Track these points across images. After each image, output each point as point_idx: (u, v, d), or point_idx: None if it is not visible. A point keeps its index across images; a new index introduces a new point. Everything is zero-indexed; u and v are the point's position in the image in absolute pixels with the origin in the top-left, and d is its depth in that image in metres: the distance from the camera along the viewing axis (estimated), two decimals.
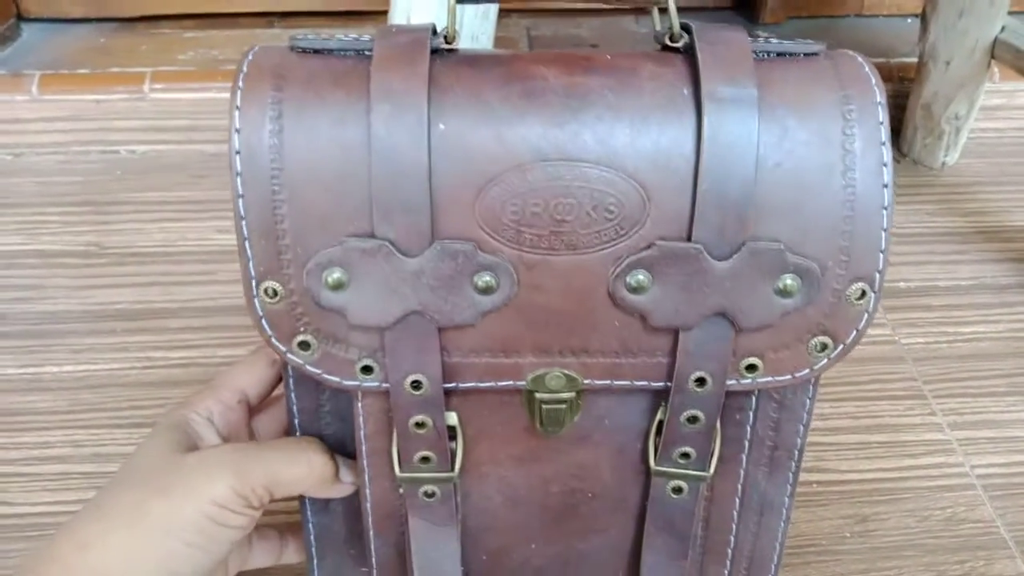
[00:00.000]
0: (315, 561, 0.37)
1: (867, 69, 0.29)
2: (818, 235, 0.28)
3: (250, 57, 0.28)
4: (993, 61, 0.67)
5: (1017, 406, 0.52)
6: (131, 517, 0.30)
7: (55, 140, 0.74)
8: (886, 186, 0.28)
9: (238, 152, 0.27)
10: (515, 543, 0.35)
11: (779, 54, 0.29)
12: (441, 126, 0.26)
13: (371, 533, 0.35)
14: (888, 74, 0.76)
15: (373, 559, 0.36)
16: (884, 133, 0.27)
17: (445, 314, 0.28)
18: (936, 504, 0.47)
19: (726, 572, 0.38)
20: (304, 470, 0.32)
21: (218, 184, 0.71)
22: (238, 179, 0.27)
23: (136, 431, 0.50)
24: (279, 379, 0.37)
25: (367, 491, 0.34)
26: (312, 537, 0.37)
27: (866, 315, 0.29)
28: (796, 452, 0.34)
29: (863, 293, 0.29)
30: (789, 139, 0.27)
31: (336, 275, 0.27)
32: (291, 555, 0.39)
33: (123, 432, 0.50)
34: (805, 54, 0.29)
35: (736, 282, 0.28)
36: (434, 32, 0.29)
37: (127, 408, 0.51)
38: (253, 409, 0.37)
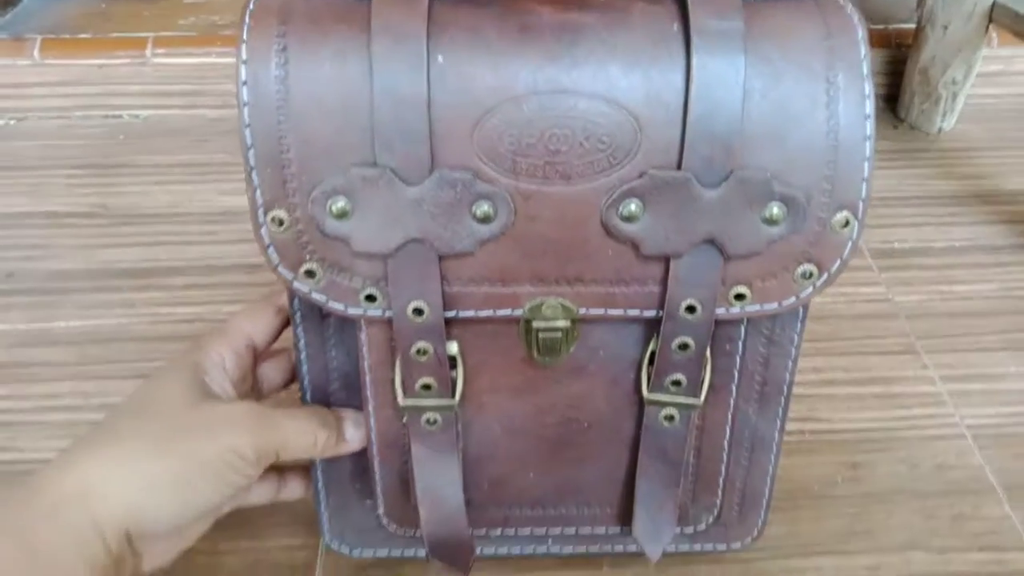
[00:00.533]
0: (322, 495, 0.39)
1: (849, 10, 0.30)
2: (803, 164, 0.29)
3: None
4: (991, 25, 0.67)
5: (1008, 361, 0.53)
6: (155, 446, 0.31)
7: (58, 104, 0.75)
8: (868, 117, 0.29)
9: (245, 83, 0.28)
10: (514, 472, 0.37)
11: None
12: (440, 59, 0.28)
13: (376, 461, 0.36)
14: (886, 40, 0.77)
15: (378, 487, 0.37)
16: (866, 68, 0.29)
17: (445, 241, 0.29)
18: (927, 452, 0.48)
19: (718, 502, 0.39)
20: (309, 442, 0.34)
21: (221, 148, 0.72)
22: (245, 109, 0.28)
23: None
24: (284, 327, 0.38)
25: (371, 421, 0.35)
26: (319, 472, 0.38)
27: (850, 243, 0.30)
28: (785, 388, 0.36)
29: (847, 222, 0.30)
30: (774, 71, 0.28)
31: (340, 203, 0.28)
32: (289, 492, 0.40)
33: (131, 383, 0.51)
34: None
35: (724, 210, 0.29)
36: None
37: (134, 361, 0.52)
38: (259, 356, 0.38)
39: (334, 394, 0.36)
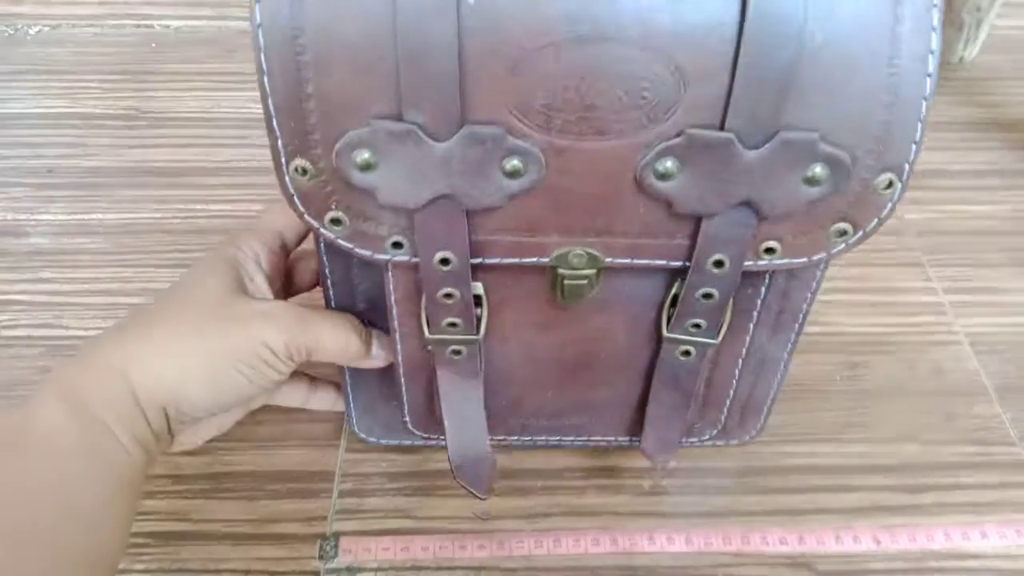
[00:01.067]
0: (350, 395, 0.40)
1: None
2: (854, 123, 0.27)
3: None
4: None
5: (1010, 277, 0.55)
6: (193, 334, 0.33)
7: (90, 13, 0.76)
8: (930, 75, 0.26)
9: (260, 25, 0.25)
10: (532, 391, 0.38)
11: None
12: (470, 1, 0.25)
13: (402, 380, 0.38)
14: None
15: (405, 400, 0.39)
16: (936, 17, 0.26)
17: (473, 198, 0.28)
18: (925, 355, 0.50)
19: (722, 418, 0.41)
20: (341, 346, 0.35)
21: (249, 58, 0.72)
22: (262, 55, 0.26)
23: (179, 270, 0.53)
24: None
25: (398, 347, 0.36)
26: (347, 374, 0.40)
27: (890, 204, 0.29)
28: (801, 316, 0.36)
29: (890, 183, 0.28)
30: (837, 17, 0.25)
31: (365, 156, 0.27)
32: (316, 402, 0.42)
33: (167, 271, 0.54)
34: None
35: (765, 171, 0.27)
36: None
37: (170, 251, 0.55)
38: (290, 253, 0.40)
39: (361, 314, 0.37)
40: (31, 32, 0.74)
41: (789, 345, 0.37)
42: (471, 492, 0.39)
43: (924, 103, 0.27)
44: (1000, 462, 0.45)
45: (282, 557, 0.40)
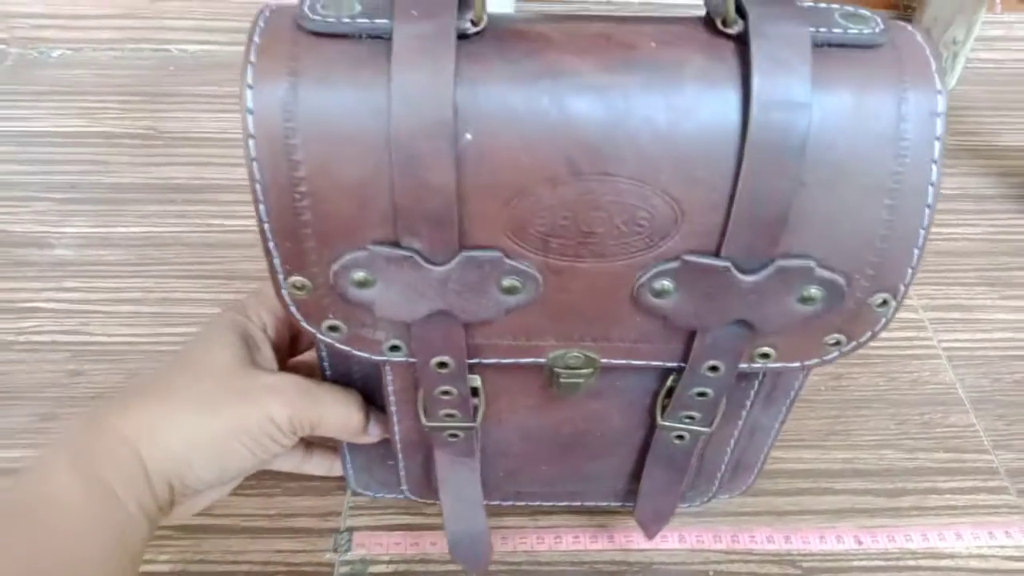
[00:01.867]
0: (348, 456, 0.41)
1: (933, 68, 0.26)
2: (850, 250, 0.27)
3: (257, 40, 0.25)
4: None
5: (985, 295, 0.58)
6: (202, 406, 0.33)
7: (110, 37, 0.79)
8: (929, 207, 0.26)
9: (255, 159, 0.25)
10: (527, 464, 0.39)
11: (840, 45, 0.26)
12: (468, 136, 0.25)
13: (399, 455, 0.39)
14: (894, 1, 0.81)
15: (402, 470, 0.40)
16: (938, 149, 0.25)
17: (470, 313, 0.29)
18: (904, 368, 0.53)
19: (714, 489, 0.42)
20: (343, 423, 0.36)
21: None
22: (257, 186, 0.25)
23: (199, 282, 0.56)
24: None
25: (395, 428, 0.37)
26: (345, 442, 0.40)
27: (884, 320, 0.30)
28: (793, 393, 0.36)
29: (885, 302, 0.29)
30: (835, 158, 0.25)
31: (361, 275, 0.27)
32: (312, 467, 0.43)
33: (188, 282, 0.56)
34: (868, 45, 0.26)
35: (760, 295, 0.28)
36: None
37: (191, 263, 0.58)
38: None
39: (357, 391, 0.37)
40: (54, 55, 0.78)
41: (781, 416, 0.38)
42: (468, 573, 0.40)
43: (922, 232, 0.27)
44: (974, 468, 0.48)
45: (298, 550, 0.43)
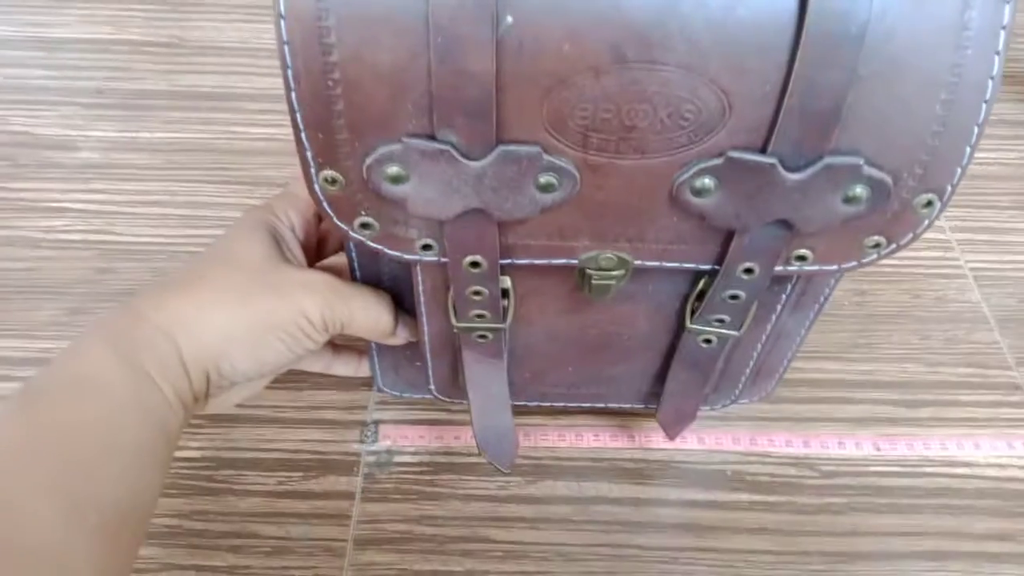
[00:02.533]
0: (376, 356, 0.41)
1: None
2: (901, 147, 0.26)
3: None
4: None
5: (1016, 219, 0.57)
6: (238, 298, 0.33)
7: None
8: (987, 102, 0.25)
9: (287, 43, 0.24)
10: (553, 366, 0.40)
11: None
12: (509, 19, 0.23)
13: (428, 355, 0.39)
14: None
15: (430, 371, 0.40)
16: (1003, 40, 0.24)
17: (506, 211, 0.28)
18: (930, 286, 0.53)
19: (737, 392, 0.42)
20: (373, 322, 0.36)
21: None
22: (289, 72, 0.25)
23: (224, 186, 0.57)
24: None
25: (425, 328, 0.37)
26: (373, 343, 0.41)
27: (927, 221, 0.29)
28: (823, 298, 0.36)
29: (930, 202, 0.28)
30: (894, 48, 0.24)
31: (396, 169, 0.26)
32: (339, 367, 0.43)
33: (213, 187, 0.57)
34: None
35: (804, 193, 0.27)
36: None
37: (215, 169, 0.58)
38: (322, 219, 0.39)
39: (385, 291, 0.37)
40: None
41: (808, 322, 0.38)
42: (495, 467, 0.41)
43: (976, 130, 0.26)
44: (996, 383, 0.48)
45: (326, 439, 0.44)
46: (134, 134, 0.60)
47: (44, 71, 0.65)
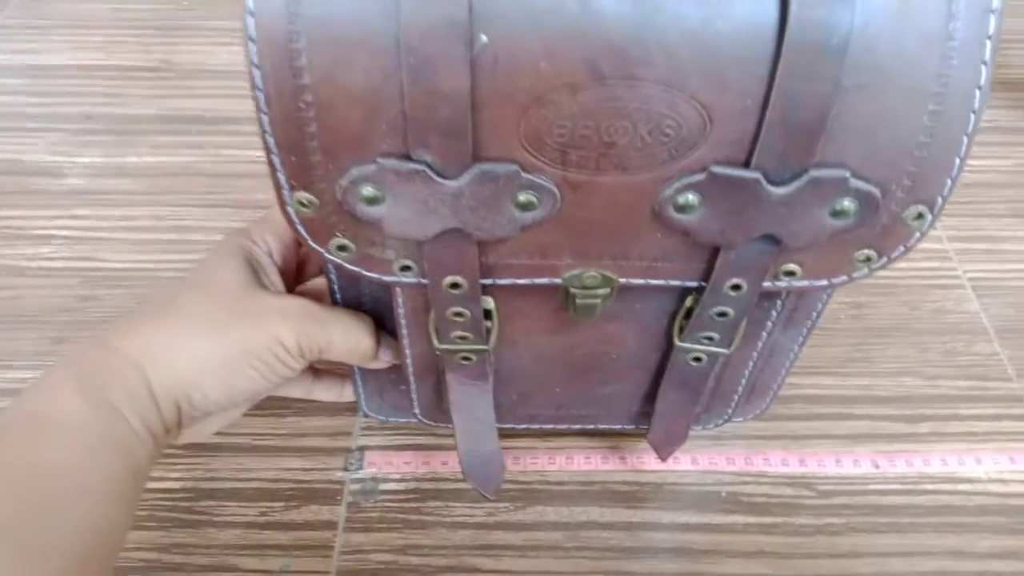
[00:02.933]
0: (359, 380, 0.41)
1: None
2: (888, 159, 0.25)
3: None
4: None
5: (1013, 227, 0.56)
6: (211, 328, 0.32)
7: None
8: (975, 112, 0.24)
9: (258, 66, 0.24)
10: (540, 387, 0.39)
11: None
12: (483, 38, 0.23)
13: (411, 379, 0.38)
14: None
15: (414, 394, 0.39)
16: (989, 51, 0.23)
17: (485, 230, 0.27)
18: (927, 298, 0.52)
19: (729, 412, 0.41)
20: (352, 347, 0.35)
21: None
22: (260, 95, 0.24)
23: (212, 210, 0.56)
24: None
25: (407, 352, 0.36)
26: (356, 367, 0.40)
27: (918, 234, 0.28)
28: (815, 314, 0.35)
29: (920, 215, 0.27)
30: (877, 58, 0.23)
31: (370, 190, 0.26)
32: (320, 393, 0.42)
33: (201, 210, 0.56)
34: None
35: (790, 208, 0.26)
36: None
37: (203, 192, 0.57)
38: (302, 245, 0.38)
39: (366, 314, 0.37)
40: None
41: (801, 338, 0.37)
42: (480, 492, 0.39)
43: (965, 140, 0.25)
44: (997, 396, 0.47)
45: (309, 467, 0.43)
46: (122, 159, 0.60)
47: (32, 97, 0.65)
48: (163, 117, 0.64)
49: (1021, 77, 0.69)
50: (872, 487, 0.43)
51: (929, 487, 0.43)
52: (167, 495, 0.42)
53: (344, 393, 0.42)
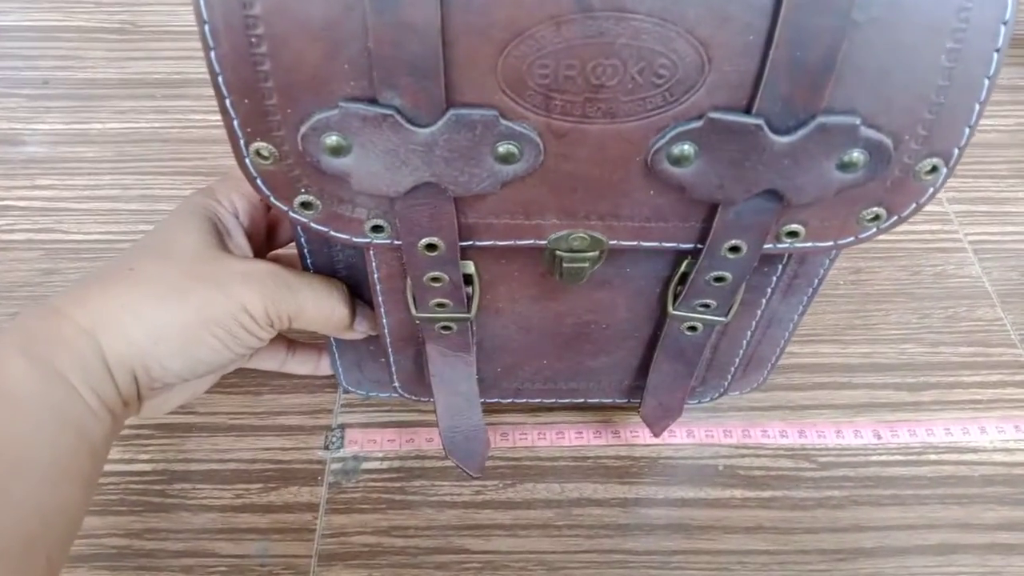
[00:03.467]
0: (336, 353, 0.38)
1: None
2: (902, 105, 0.23)
3: None
4: None
5: (1016, 187, 0.55)
6: (169, 294, 0.30)
7: None
8: (998, 50, 0.22)
9: None
10: (527, 359, 0.37)
11: None
12: None
13: (390, 351, 0.36)
14: None
15: (393, 367, 0.37)
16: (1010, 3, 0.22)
17: (461, 184, 0.25)
18: (928, 262, 0.50)
19: (726, 384, 0.39)
20: (326, 315, 0.33)
21: None
22: (206, 28, 0.22)
23: (180, 178, 0.53)
24: None
25: (383, 320, 0.34)
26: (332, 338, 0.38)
27: (931, 189, 0.26)
28: (816, 281, 0.33)
29: (934, 168, 0.25)
30: None
31: (335, 139, 0.24)
32: (295, 365, 0.40)
33: (167, 178, 0.53)
34: None
35: (795, 159, 0.24)
36: None
37: (170, 159, 0.55)
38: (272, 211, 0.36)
39: (341, 281, 0.34)
40: None
41: (801, 307, 0.35)
42: (464, 470, 0.38)
43: (987, 83, 0.23)
44: (1000, 362, 0.45)
45: (288, 447, 0.41)
46: (84, 126, 0.57)
47: None
48: (126, 81, 0.60)
49: (1022, 34, 0.67)
50: (874, 458, 0.41)
51: (933, 457, 0.41)
52: (138, 478, 0.39)
53: (321, 366, 0.40)
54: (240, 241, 0.34)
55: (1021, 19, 0.68)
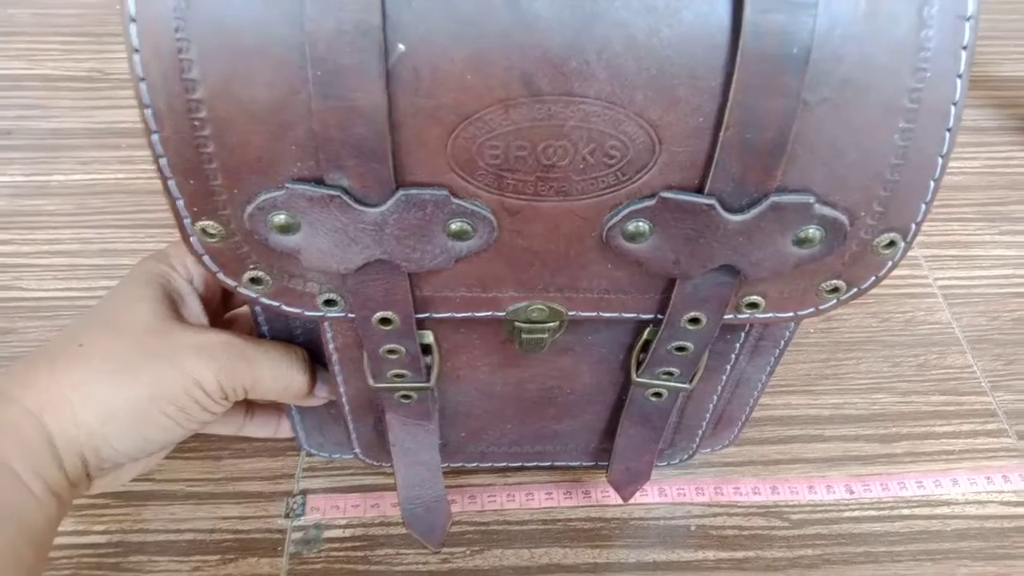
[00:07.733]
0: (297, 417, 0.38)
1: None
2: (856, 183, 0.23)
3: None
4: None
5: (983, 230, 0.55)
6: (119, 371, 0.29)
7: None
8: (949, 130, 0.22)
9: (143, 79, 0.21)
10: (491, 424, 0.36)
11: None
12: (400, 47, 0.20)
13: (349, 418, 0.35)
14: None
15: (353, 434, 0.36)
16: (964, 62, 0.21)
17: (415, 261, 0.25)
18: (898, 308, 0.50)
19: (695, 446, 0.39)
20: (284, 385, 0.32)
21: None
22: (149, 112, 0.21)
23: (142, 231, 0.52)
24: None
25: (342, 390, 0.33)
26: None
27: (890, 263, 0.26)
28: (783, 343, 0.33)
29: (892, 243, 0.25)
30: (843, 71, 0.21)
31: (282, 218, 0.23)
32: (253, 429, 0.39)
33: (129, 232, 0.52)
34: None
35: (750, 236, 0.24)
36: None
37: (133, 212, 0.54)
38: None
39: (298, 346, 0.33)
40: None
41: (769, 368, 0.34)
42: (424, 544, 0.37)
43: (940, 161, 0.23)
44: (971, 411, 0.45)
45: (247, 516, 0.39)
46: (45, 177, 0.56)
47: None
48: (91, 131, 0.60)
49: (986, 75, 0.68)
50: (847, 514, 0.41)
51: (905, 512, 0.41)
52: (92, 550, 0.38)
53: (281, 429, 0.39)
54: (195, 308, 0.33)
55: (980, 60, 0.69)
